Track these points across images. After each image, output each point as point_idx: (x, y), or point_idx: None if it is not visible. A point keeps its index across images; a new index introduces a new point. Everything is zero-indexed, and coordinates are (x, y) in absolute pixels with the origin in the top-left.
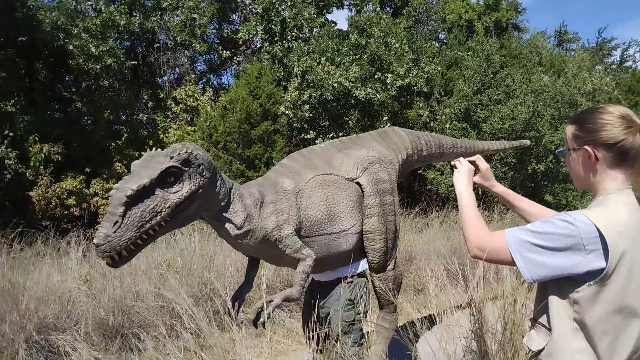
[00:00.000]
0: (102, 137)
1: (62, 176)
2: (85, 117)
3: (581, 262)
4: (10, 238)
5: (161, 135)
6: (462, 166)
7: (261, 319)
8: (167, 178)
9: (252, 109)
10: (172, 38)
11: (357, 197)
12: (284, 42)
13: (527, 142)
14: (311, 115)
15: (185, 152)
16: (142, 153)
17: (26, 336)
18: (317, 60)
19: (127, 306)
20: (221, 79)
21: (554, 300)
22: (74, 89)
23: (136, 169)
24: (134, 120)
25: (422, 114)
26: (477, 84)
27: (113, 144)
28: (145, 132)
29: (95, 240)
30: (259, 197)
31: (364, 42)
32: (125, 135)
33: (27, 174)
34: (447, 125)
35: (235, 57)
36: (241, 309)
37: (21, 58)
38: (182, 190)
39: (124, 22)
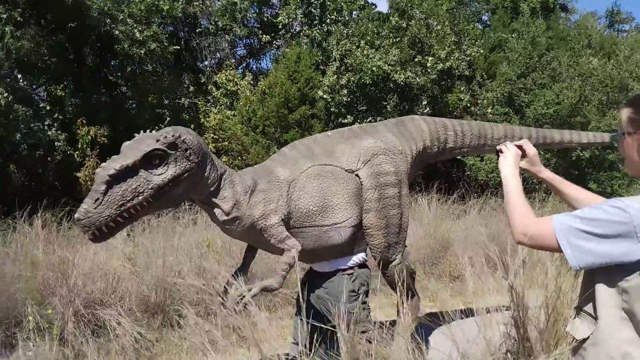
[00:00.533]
0: (146, 121)
1: (108, 158)
2: (130, 101)
3: (632, 250)
4: (59, 216)
5: (202, 120)
6: (509, 151)
7: (239, 307)
8: (153, 160)
9: (290, 94)
10: (213, 23)
11: (356, 189)
12: (323, 25)
13: (606, 136)
14: (349, 99)
15: (173, 136)
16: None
17: (74, 310)
18: (356, 44)
19: (169, 284)
20: (260, 63)
21: (601, 289)
22: (119, 73)
23: (124, 149)
24: (176, 104)
25: (462, 98)
26: (521, 67)
27: (156, 128)
28: (187, 116)
29: (76, 215)
30: (251, 185)
31: (404, 25)
32: (168, 119)
33: (75, 156)
34: (489, 110)
35: (274, 42)
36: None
37: (70, 44)
38: (166, 172)
39: (168, 7)
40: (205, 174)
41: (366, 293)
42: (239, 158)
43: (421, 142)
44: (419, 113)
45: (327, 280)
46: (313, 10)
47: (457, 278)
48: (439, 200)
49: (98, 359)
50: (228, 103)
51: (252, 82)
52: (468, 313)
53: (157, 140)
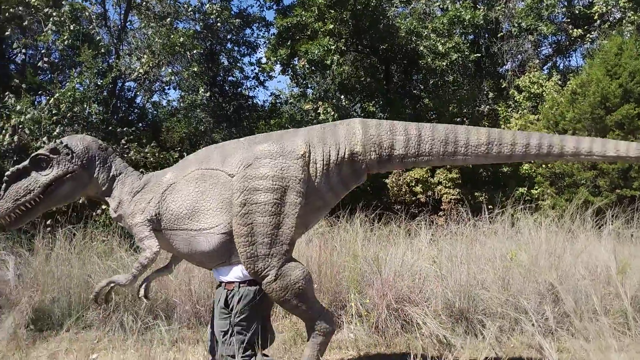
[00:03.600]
0: None
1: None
2: (431, 112)
3: None
4: (370, 218)
5: (502, 126)
6: None
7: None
8: (41, 163)
9: (608, 91)
10: (516, 25)
11: (231, 195)
12: None
13: None
14: None
15: (54, 143)
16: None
17: (387, 302)
18: None
19: (472, 292)
20: (569, 61)
21: None
22: (422, 87)
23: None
24: (475, 112)
25: None
26: None
27: None
28: (487, 123)
29: None
30: (138, 186)
31: None
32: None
33: None
34: None
35: (587, 35)
36: (149, 288)
37: (381, 64)
38: (50, 173)
39: (469, 16)
40: (95, 175)
41: (247, 315)
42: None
43: (347, 148)
44: None
45: (218, 291)
46: None
47: None
48: None
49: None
50: (531, 107)
51: (559, 82)
52: None
53: (43, 147)
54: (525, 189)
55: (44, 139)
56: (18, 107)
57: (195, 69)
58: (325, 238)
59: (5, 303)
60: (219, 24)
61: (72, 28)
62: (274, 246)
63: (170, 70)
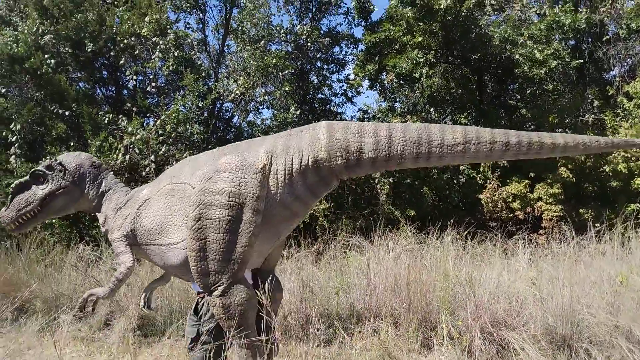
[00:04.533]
0: None
1: (508, 180)
2: (529, 123)
3: None
4: (462, 235)
5: (609, 136)
6: None
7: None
8: (39, 178)
9: None
10: (624, 26)
11: None
12: None
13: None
14: None
15: (50, 160)
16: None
17: (481, 325)
18: None
19: (576, 318)
20: None
21: None
22: (518, 96)
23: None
24: (579, 122)
25: None
26: None
27: None
28: (592, 134)
29: None
30: (121, 202)
31: None
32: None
33: (478, 178)
34: None
35: None
36: (147, 298)
37: (473, 74)
38: (46, 188)
39: (569, 20)
40: (85, 191)
41: (215, 325)
42: None
43: (310, 155)
44: None
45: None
46: None
47: None
48: None
49: None
50: None
51: None
52: None
53: (41, 164)
54: (638, 205)
55: (152, 157)
56: (129, 129)
57: (287, 88)
58: (414, 255)
59: (117, 309)
60: (309, 44)
61: (176, 54)
62: (225, 263)
63: (263, 90)
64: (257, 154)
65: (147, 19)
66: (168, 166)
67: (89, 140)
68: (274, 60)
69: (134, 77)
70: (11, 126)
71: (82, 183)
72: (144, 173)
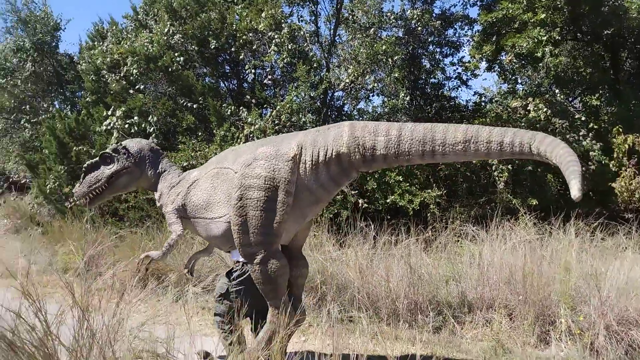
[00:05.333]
0: None
1: None
2: None
3: None
4: (592, 227)
5: None
6: None
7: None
8: (107, 160)
9: None
10: None
11: None
12: None
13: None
14: None
15: (116, 144)
16: None
17: (606, 323)
18: None
19: None
20: None
21: None
22: None
23: None
24: None
25: None
26: None
27: None
28: None
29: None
30: (175, 182)
31: None
32: None
33: (611, 165)
34: None
35: None
36: (191, 265)
37: (606, 51)
38: (112, 168)
39: None
40: (145, 172)
41: (242, 288)
42: None
43: (334, 149)
44: None
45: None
46: None
47: None
48: None
49: None
50: None
51: None
52: None
53: (108, 147)
54: None
55: None
56: (249, 119)
57: (397, 75)
58: (533, 246)
59: None
60: (419, 28)
61: (289, 47)
62: (263, 236)
63: (373, 77)
64: (289, 145)
65: (263, 14)
66: None
67: (214, 131)
68: (384, 47)
69: (253, 71)
70: (149, 118)
71: (142, 164)
72: None
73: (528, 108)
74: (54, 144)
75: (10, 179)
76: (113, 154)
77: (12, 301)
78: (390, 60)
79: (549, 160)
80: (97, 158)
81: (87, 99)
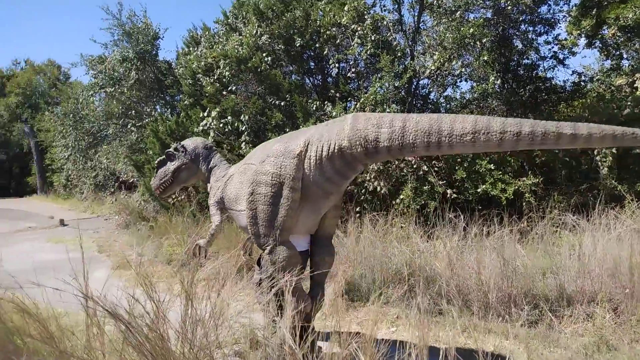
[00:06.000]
0: None
1: None
2: None
3: None
4: None
5: None
6: None
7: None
8: (171, 157)
9: None
10: None
11: None
12: None
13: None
14: None
15: (176, 144)
16: None
17: None
18: None
19: None
20: None
21: None
22: None
23: None
24: None
25: None
26: None
27: None
28: None
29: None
30: (221, 176)
31: None
32: None
33: None
34: None
35: None
36: (249, 247)
37: None
38: (175, 164)
39: None
40: (199, 167)
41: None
42: None
43: (337, 143)
44: None
45: None
46: None
47: None
48: None
49: None
50: None
51: None
52: None
53: (171, 147)
54: None
55: None
56: (334, 113)
57: (486, 58)
58: None
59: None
60: (509, 7)
61: (373, 38)
62: (270, 229)
63: (460, 62)
64: (297, 142)
65: (346, 7)
66: None
67: (301, 126)
68: (472, 30)
69: (337, 65)
70: (241, 117)
71: (197, 160)
72: None
73: (635, 85)
74: (157, 145)
75: (120, 179)
76: (174, 152)
77: (125, 289)
78: (478, 43)
79: (595, 143)
80: (164, 156)
81: (185, 101)
